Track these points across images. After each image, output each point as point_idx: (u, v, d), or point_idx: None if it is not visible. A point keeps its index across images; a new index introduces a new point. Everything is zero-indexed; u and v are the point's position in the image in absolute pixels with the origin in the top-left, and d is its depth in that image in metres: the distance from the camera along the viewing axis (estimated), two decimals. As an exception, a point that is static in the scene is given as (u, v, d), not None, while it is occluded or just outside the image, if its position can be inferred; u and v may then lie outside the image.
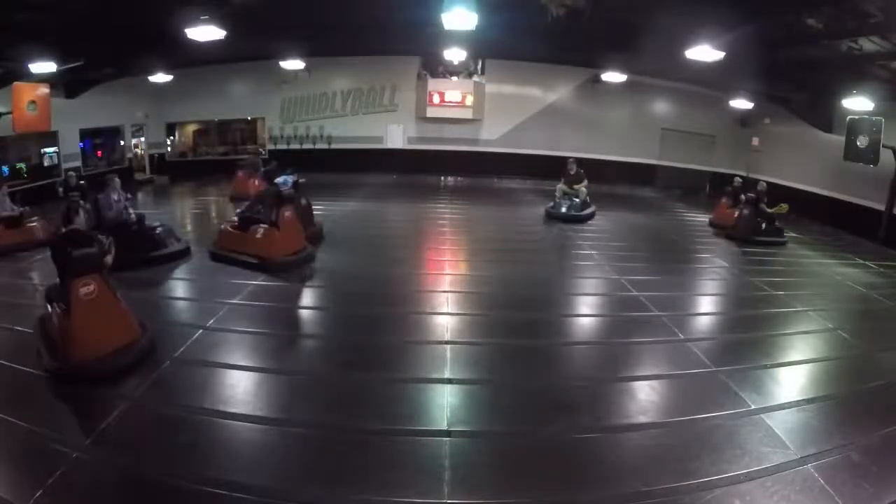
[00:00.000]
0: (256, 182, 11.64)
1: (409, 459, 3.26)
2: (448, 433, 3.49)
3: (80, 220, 5.79)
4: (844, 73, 9.09)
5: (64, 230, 4.87)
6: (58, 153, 12.07)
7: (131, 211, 7.54)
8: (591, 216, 10.89)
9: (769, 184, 10.16)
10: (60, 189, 9.74)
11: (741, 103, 12.76)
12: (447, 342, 4.86)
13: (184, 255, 7.42)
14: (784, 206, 9.83)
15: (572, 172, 11.02)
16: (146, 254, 7.01)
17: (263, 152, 15.67)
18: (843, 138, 10.41)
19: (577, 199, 10.75)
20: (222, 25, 7.56)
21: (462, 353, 4.68)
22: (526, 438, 3.55)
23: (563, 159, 11.81)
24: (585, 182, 10.96)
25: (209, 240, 7.76)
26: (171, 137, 16.24)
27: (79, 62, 9.79)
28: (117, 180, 7.48)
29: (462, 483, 3.02)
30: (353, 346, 4.90)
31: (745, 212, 9.78)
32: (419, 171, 15.31)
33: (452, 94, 15.05)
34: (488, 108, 15.55)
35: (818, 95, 10.76)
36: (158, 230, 7.44)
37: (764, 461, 3.27)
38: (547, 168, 14.41)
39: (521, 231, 10.17)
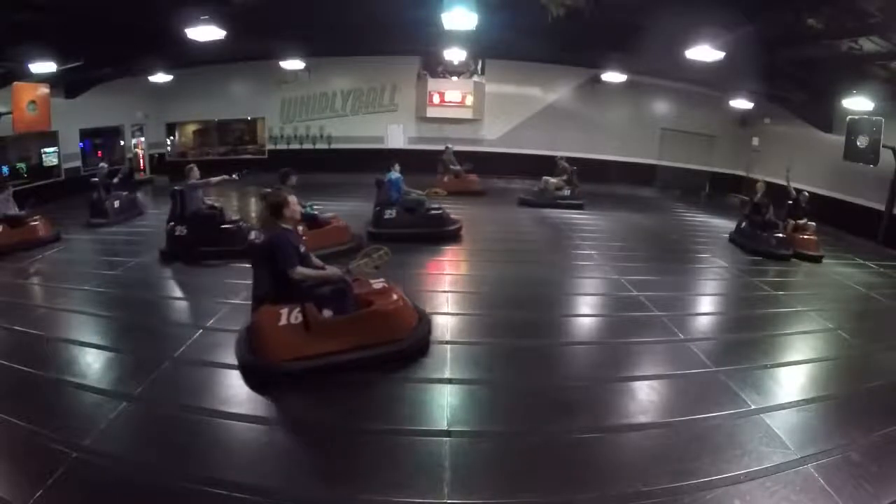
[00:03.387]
0: (446, 178, 11.73)
1: (409, 459, 3.26)
2: (448, 433, 3.48)
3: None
4: (844, 73, 9.09)
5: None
6: (58, 153, 12.07)
7: (208, 202, 7.60)
8: (574, 205, 12.17)
9: (768, 184, 10.06)
10: (96, 179, 9.71)
11: (741, 103, 12.75)
12: (447, 342, 4.84)
13: None
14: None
15: (558, 168, 12.70)
16: (232, 246, 6.92)
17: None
18: (843, 138, 10.41)
19: (550, 187, 12.48)
20: (222, 25, 7.57)
21: (462, 353, 4.67)
22: (526, 438, 3.54)
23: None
24: (564, 176, 12.48)
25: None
26: (171, 137, 16.23)
27: (79, 62, 9.80)
28: (196, 170, 7.55)
29: (462, 483, 3.02)
30: (353, 346, 4.89)
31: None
32: (419, 170, 15.26)
33: (452, 94, 15.06)
34: (488, 108, 15.53)
35: (818, 95, 10.75)
36: (239, 225, 7.50)
37: (764, 461, 3.27)
38: (547, 168, 14.40)
39: (520, 231, 10.17)
